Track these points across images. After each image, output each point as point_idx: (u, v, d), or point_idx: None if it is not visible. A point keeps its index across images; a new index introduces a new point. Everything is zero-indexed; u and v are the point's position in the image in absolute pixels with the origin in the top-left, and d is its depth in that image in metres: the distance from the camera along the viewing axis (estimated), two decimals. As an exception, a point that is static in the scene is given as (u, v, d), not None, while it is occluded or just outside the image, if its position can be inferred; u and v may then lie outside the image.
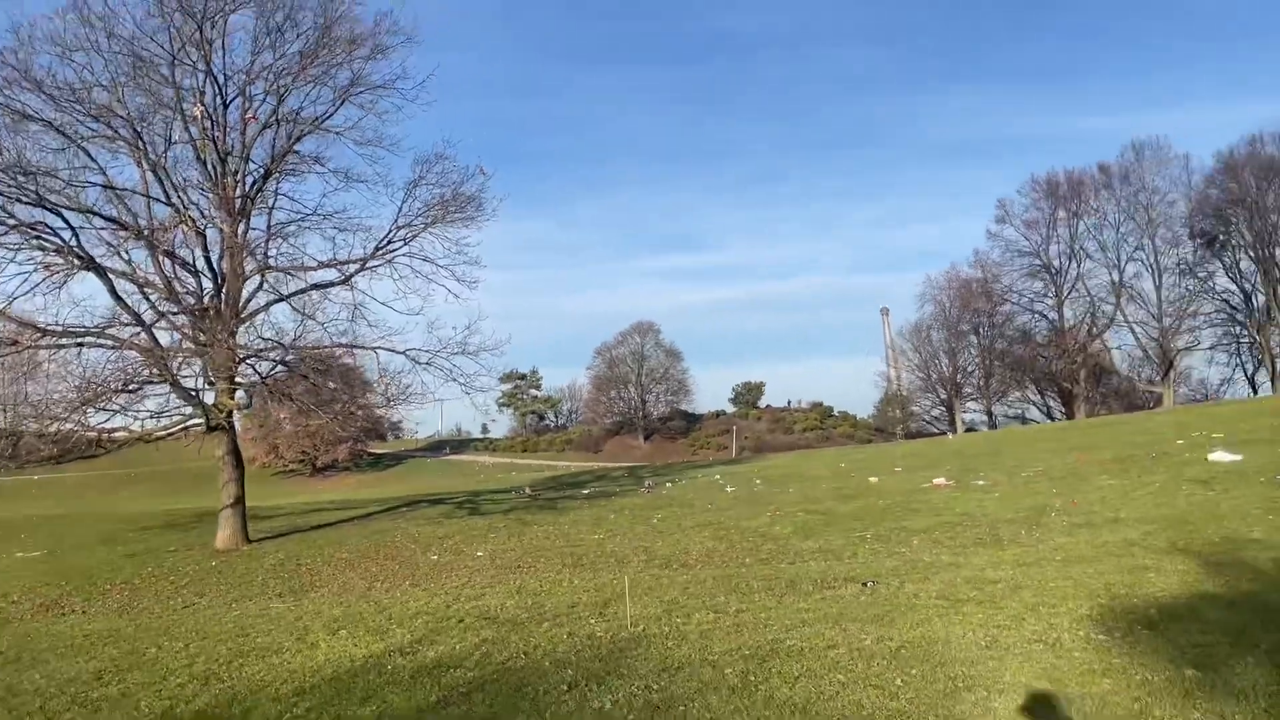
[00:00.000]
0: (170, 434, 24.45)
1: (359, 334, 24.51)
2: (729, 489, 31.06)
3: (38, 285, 22.34)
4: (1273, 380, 75.75)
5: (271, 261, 25.12)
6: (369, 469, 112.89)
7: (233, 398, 24.39)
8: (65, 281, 22.72)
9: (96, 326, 23.02)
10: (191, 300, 24.26)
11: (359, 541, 23.41)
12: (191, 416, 24.00)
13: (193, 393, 23.85)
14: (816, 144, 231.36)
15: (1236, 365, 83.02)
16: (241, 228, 24.72)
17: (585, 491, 35.01)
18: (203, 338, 23.36)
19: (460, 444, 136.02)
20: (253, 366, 24.16)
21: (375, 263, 25.13)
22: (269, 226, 25.38)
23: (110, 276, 23.00)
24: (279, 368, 24.83)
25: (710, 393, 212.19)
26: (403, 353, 24.84)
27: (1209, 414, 38.63)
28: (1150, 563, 11.88)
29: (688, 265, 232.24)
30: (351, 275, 24.93)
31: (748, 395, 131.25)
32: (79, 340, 23.18)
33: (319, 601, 15.69)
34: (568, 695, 7.95)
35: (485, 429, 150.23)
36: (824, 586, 12.54)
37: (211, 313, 24.24)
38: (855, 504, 22.73)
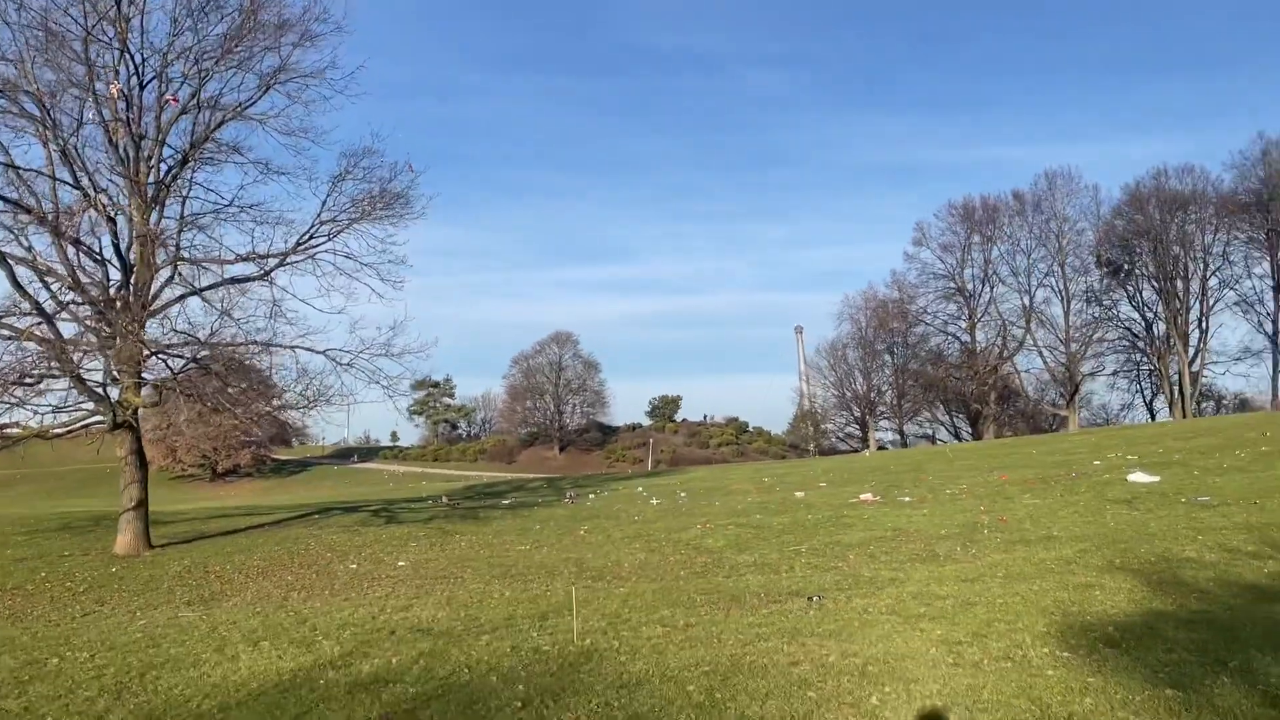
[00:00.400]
0: (70, 431, 23.01)
1: (278, 332, 23.47)
2: (654, 501, 30.71)
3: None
4: (1170, 406, 78.80)
5: (185, 253, 23.91)
6: (272, 475, 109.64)
7: (139, 395, 23.11)
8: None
9: (-10, 315, 21.58)
10: (97, 291, 22.91)
11: (271, 549, 22.34)
12: (94, 414, 22.62)
13: (96, 389, 22.48)
14: (731, 163, 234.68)
15: (1136, 391, 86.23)
16: (154, 216, 23.50)
17: (506, 501, 34.26)
18: (108, 330, 22.07)
19: (369, 451, 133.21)
20: (165, 362, 22.89)
21: (297, 258, 24.13)
22: (182, 216, 24.18)
23: (9, 263, 21.56)
24: (190, 365, 23.60)
25: (627, 405, 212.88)
26: (322, 352, 23.89)
27: (1117, 436, 39.79)
28: (1093, 580, 11.88)
29: (604, 277, 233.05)
30: (271, 270, 23.89)
31: (664, 408, 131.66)
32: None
33: (233, 611, 14.78)
34: (522, 712, 7.44)
35: (395, 437, 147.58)
36: (770, 601, 12.24)
37: (119, 305, 22.96)
38: (785, 518, 22.58)
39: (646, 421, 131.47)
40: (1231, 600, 10.20)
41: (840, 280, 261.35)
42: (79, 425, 22.76)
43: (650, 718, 7.07)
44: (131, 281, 22.99)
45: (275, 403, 23.89)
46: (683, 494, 32.87)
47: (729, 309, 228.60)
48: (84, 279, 22.83)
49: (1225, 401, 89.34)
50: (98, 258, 23.36)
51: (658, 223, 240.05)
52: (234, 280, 24.27)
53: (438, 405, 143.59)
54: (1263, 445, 26.56)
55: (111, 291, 22.99)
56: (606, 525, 24.34)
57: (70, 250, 22.57)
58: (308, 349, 23.65)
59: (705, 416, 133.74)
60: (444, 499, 36.96)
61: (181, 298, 23.76)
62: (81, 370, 22.39)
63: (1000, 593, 11.40)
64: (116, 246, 23.09)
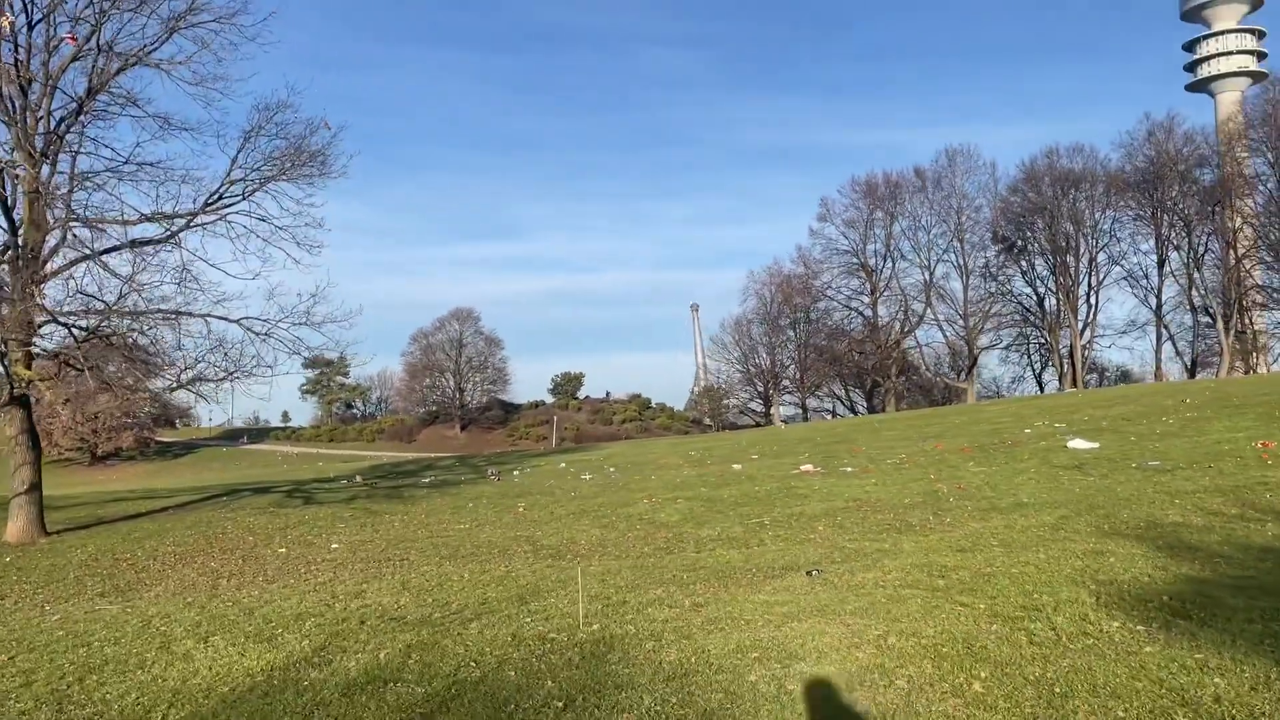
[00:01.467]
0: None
1: (190, 299, 21.57)
2: (585, 476, 29.76)
3: None
4: (1060, 379, 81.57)
5: (78, 213, 21.73)
6: (156, 458, 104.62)
7: (29, 367, 20.96)
8: None
9: None
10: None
11: (183, 533, 20.63)
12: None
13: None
14: (629, 142, 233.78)
15: (1026, 364, 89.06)
16: (45, 171, 21.29)
17: (426, 480, 32.80)
18: (-6, 295, 19.90)
19: (259, 433, 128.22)
20: (69, 329, 20.74)
21: (206, 219, 22.22)
22: (74, 172, 21.95)
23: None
24: (89, 336, 21.50)
25: (528, 383, 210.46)
26: (237, 321, 22.10)
27: (1033, 406, 40.40)
28: (1097, 546, 11.47)
29: (502, 255, 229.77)
30: (178, 231, 21.96)
31: (567, 386, 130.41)
32: None
33: (159, 602, 13.28)
34: (566, 714, 6.46)
35: (286, 417, 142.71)
36: (766, 576, 11.47)
37: (5, 268, 20.79)
38: (732, 490, 21.95)
39: (549, 399, 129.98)
40: (1257, 564, 9.86)
41: (737, 260, 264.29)
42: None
43: (727, 713, 6.18)
44: (19, 243, 20.79)
45: (186, 375, 21.92)
46: (611, 469, 32.00)
47: (628, 287, 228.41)
48: (-37, 239, 20.56)
49: (1108, 374, 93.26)
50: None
51: (555, 200, 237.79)
52: (137, 243, 22.19)
53: (331, 385, 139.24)
54: (1187, 412, 27.15)
55: (-4, 254, 20.79)
56: (545, 501, 23.32)
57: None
58: (221, 317, 21.85)
59: (607, 394, 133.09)
60: (358, 478, 35.24)
61: (74, 262, 21.59)
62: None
63: (1010, 561, 10.86)
64: (3, 203, 20.83)
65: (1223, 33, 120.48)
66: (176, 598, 13.72)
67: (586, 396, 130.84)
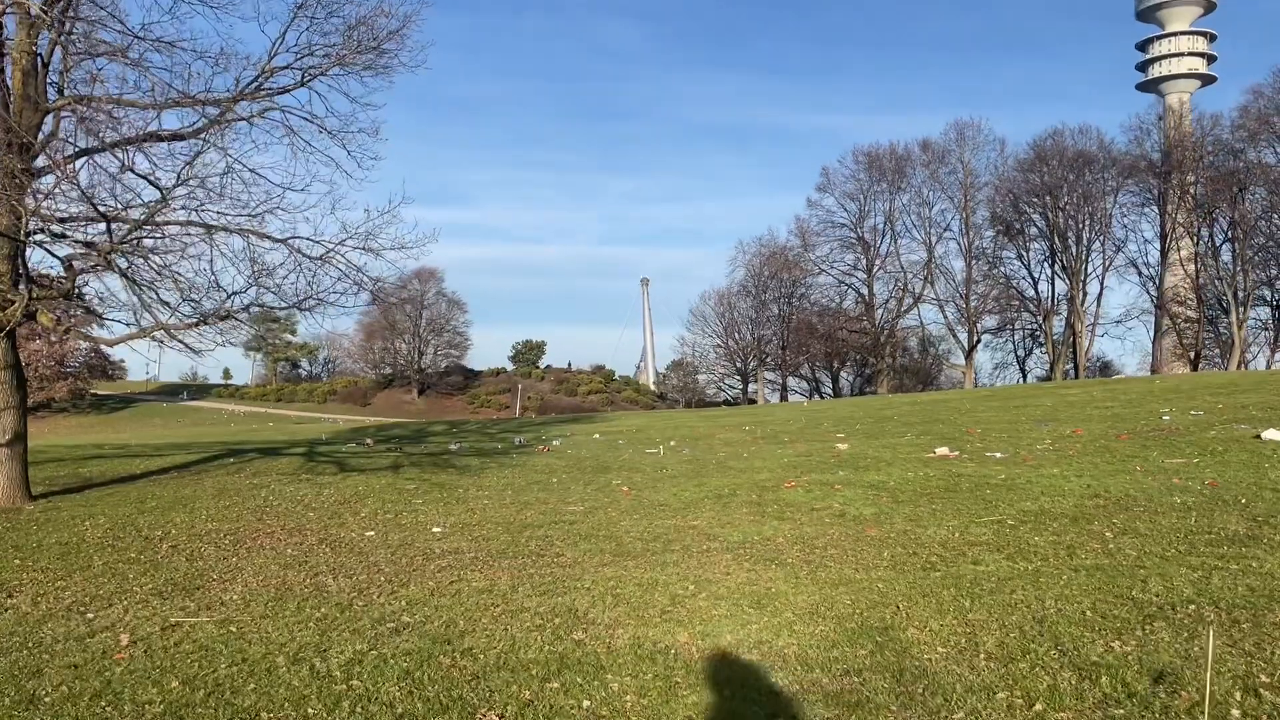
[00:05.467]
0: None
1: (224, 209, 17.00)
2: (651, 451, 25.79)
3: None
4: (1052, 365, 79.54)
5: (80, 89, 17.01)
6: (91, 410, 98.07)
7: (17, 288, 16.30)
8: None
9: None
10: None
11: (213, 504, 16.30)
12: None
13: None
14: (577, 111, 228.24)
15: (1024, 349, 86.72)
16: (42, 38, 16.59)
17: (454, 447, 28.50)
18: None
19: (199, 390, 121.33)
20: (74, 232, 16.03)
21: (247, 108, 17.62)
22: (67, 39, 17.09)
23: None
24: (88, 252, 16.86)
25: (485, 351, 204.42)
26: (285, 241, 17.65)
27: (1103, 390, 37.33)
28: None
29: (442, 221, 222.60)
30: (216, 122, 17.29)
31: (528, 354, 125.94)
32: None
33: (250, 609, 9.18)
34: None
35: (228, 375, 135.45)
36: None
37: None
38: (882, 475, 18.22)
39: (510, 366, 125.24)
40: None
41: (685, 239, 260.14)
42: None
43: None
44: (9, 121, 16.05)
45: (235, 303, 17.28)
46: (670, 442, 28.08)
47: (576, 260, 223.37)
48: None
49: (1087, 365, 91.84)
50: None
51: (499, 168, 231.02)
52: (152, 137, 17.53)
53: (276, 342, 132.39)
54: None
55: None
56: (641, 480, 19.35)
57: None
58: (266, 235, 17.35)
59: (569, 364, 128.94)
60: (369, 441, 30.88)
61: (80, 154, 16.89)
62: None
63: None
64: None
65: (1175, 34, 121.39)
66: (277, 604, 9.54)
67: (549, 366, 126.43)
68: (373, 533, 13.79)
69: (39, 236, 16.40)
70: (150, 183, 16.48)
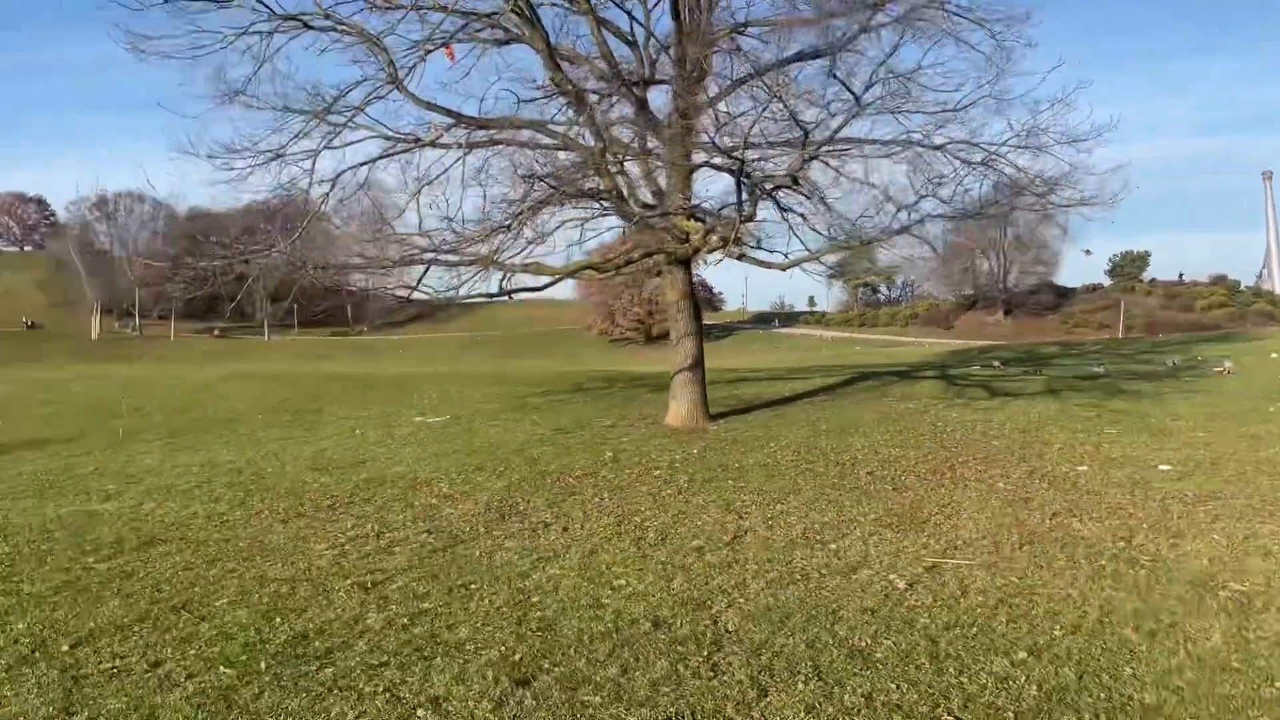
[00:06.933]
0: (624, 270, 17.61)
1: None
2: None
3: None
4: None
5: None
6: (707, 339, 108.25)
7: (691, 219, 17.00)
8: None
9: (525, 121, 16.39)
10: (634, 78, 16.93)
11: (879, 428, 15.78)
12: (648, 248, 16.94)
13: (645, 209, 16.62)
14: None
15: None
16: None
17: (1099, 369, 25.36)
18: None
19: (788, 317, 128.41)
20: (751, 162, 16.10)
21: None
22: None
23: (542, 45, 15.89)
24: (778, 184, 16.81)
25: (1074, 267, 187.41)
26: (939, 148, 16.23)
27: None
28: None
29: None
30: (865, 29, 16.21)
31: (1128, 267, 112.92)
32: (494, 138, 16.73)
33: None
34: None
35: (812, 302, 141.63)
36: None
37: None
38: None
39: (1106, 281, 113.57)
40: None
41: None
42: (637, 263, 17.19)
43: None
44: (677, 58, 16.66)
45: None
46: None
47: (1167, 157, 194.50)
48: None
49: None
50: (628, 38, 17.39)
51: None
52: (799, 57, 17.06)
53: (857, 267, 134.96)
54: None
55: (648, 74, 16.96)
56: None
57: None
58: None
59: (1180, 275, 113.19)
60: (996, 364, 29.03)
61: (741, 81, 17.04)
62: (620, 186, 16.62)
63: None
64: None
65: None
66: (1036, 550, 8.16)
67: (1154, 280, 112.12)
68: (1085, 467, 11.96)
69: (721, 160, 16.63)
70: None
